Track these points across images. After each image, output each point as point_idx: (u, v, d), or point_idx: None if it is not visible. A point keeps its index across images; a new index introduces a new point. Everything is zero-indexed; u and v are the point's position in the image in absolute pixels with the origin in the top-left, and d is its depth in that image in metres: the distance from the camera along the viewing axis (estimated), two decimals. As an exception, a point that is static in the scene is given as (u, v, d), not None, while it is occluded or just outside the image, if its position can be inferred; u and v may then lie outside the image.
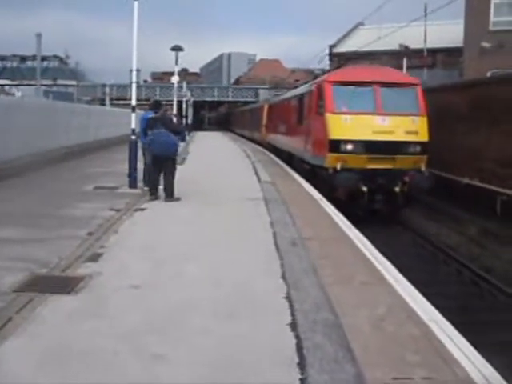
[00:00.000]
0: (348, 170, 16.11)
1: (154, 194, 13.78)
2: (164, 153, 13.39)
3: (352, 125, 16.45)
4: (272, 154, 30.84)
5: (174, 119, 33.19)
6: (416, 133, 16.72)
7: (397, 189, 16.35)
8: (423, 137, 16.75)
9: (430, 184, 16.68)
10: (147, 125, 13.91)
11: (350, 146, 16.30)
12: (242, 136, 58.74)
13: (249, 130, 54.52)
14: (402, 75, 20.41)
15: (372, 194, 16.35)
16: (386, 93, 17.00)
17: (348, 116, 16.60)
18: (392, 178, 16.41)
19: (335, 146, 16.40)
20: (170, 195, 13.58)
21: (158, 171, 13.78)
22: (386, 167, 16.29)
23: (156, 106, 15.35)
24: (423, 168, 16.64)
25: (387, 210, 17.03)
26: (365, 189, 16.10)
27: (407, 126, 16.65)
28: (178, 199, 13.47)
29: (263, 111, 40.28)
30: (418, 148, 16.63)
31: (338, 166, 16.08)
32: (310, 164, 18.97)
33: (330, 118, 16.79)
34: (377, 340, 5.25)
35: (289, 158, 25.36)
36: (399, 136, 16.46)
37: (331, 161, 16.39)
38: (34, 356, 4.73)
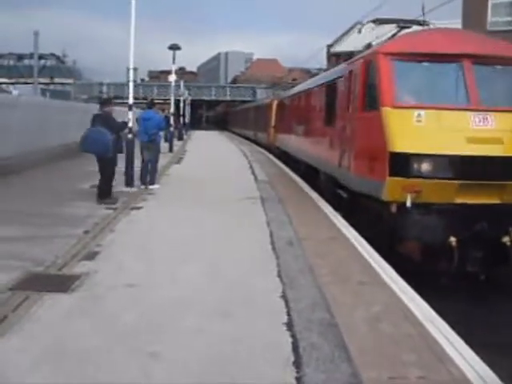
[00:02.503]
0: (425, 208, 9.56)
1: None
2: (94, 151, 12.71)
3: (430, 128, 9.74)
4: (281, 163, 25.49)
5: (172, 118, 33.41)
6: None
7: (506, 239, 9.51)
8: None
9: None
10: (91, 121, 13.11)
11: (427, 166, 9.48)
12: (244, 138, 53.78)
13: (252, 130, 48.69)
14: (506, 46, 11.28)
15: (465, 249, 9.39)
16: (484, 73, 10.36)
17: (422, 112, 9.82)
18: (499, 220, 9.67)
19: (402, 164, 9.60)
20: (102, 196, 12.76)
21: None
22: (489, 202, 9.64)
23: (103, 102, 14.30)
24: None
25: (486, 272, 9.72)
26: (453, 240, 9.30)
27: None
28: (113, 201, 12.70)
29: (271, 109, 33.80)
30: None
31: (408, 201, 9.44)
32: (349, 190, 12.13)
33: (390, 115, 9.99)
34: (373, 339, 5.25)
35: (308, 173, 18.29)
36: None
37: (394, 190, 9.65)
38: (30, 354, 4.71)
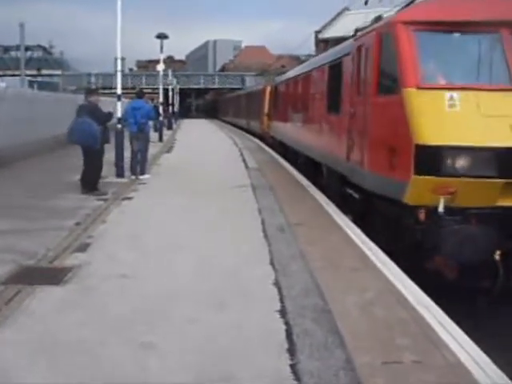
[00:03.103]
0: (462, 214, 7.86)
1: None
2: (82, 142, 12.63)
3: (466, 114, 7.93)
4: (271, 150, 24.87)
5: (161, 108, 33.28)
6: None
7: None
8: None
9: None
10: (76, 112, 12.96)
11: (464, 161, 7.72)
12: (236, 127, 51.09)
13: (244, 119, 46.06)
14: None
15: (510, 262, 7.72)
16: None
17: (455, 94, 7.97)
18: None
19: (431, 159, 7.85)
20: (86, 186, 12.63)
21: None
22: None
23: (88, 92, 14.16)
24: None
25: None
26: (498, 253, 7.68)
27: None
28: (100, 193, 12.56)
29: (265, 96, 31.66)
30: None
31: (441, 205, 7.75)
32: (362, 190, 10.13)
33: (415, 98, 8.19)
34: (366, 325, 5.26)
35: (308, 166, 16.34)
36: None
37: (421, 192, 7.92)
38: (23, 347, 4.70)
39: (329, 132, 13.24)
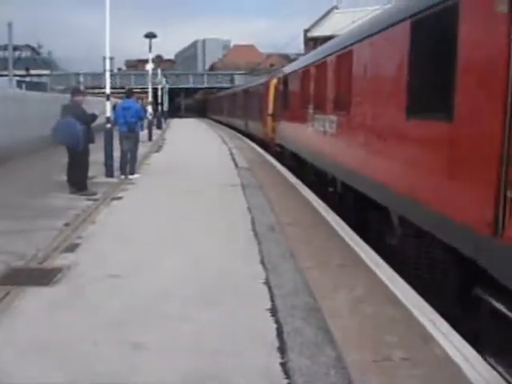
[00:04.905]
0: None
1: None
2: (65, 142, 12.62)
3: None
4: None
5: (149, 108, 33.18)
6: None
7: None
8: None
9: None
10: (60, 112, 12.92)
11: None
12: (231, 128, 45.47)
13: (240, 119, 39.53)
14: None
15: None
16: None
17: None
18: None
19: None
20: (74, 186, 12.58)
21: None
22: None
23: (74, 92, 13.89)
24: None
25: None
26: None
27: None
28: (89, 193, 12.49)
29: (268, 92, 25.16)
30: None
31: None
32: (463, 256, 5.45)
33: None
34: (356, 322, 5.29)
35: (354, 204, 10.42)
36: None
37: None
38: (13, 349, 4.69)
39: (412, 154, 7.10)
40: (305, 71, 15.39)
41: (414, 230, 7.09)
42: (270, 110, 24.18)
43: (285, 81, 19.53)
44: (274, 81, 23.73)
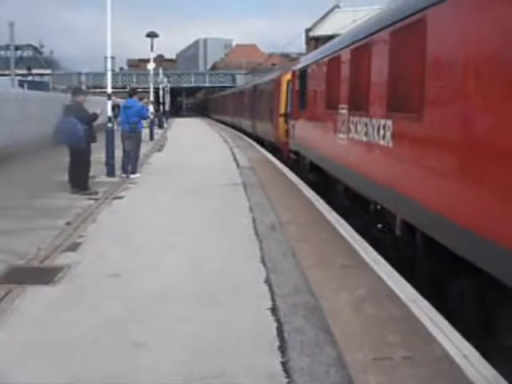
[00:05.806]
0: None
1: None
2: (66, 142, 12.65)
3: None
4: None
5: (151, 108, 33.18)
6: None
7: None
8: None
9: None
10: (62, 112, 12.93)
11: None
12: (237, 130, 41.19)
13: (247, 120, 35.44)
14: None
15: None
16: None
17: None
18: None
19: None
20: (75, 186, 12.58)
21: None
22: None
23: (75, 92, 14.01)
24: None
25: None
26: None
27: None
28: (90, 192, 12.50)
29: (280, 88, 22.16)
30: None
31: None
32: None
33: None
34: (357, 322, 5.28)
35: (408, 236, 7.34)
36: None
37: None
38: (14, 348, 4.69)
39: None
40: (332, 59, 11.66)
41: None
42: (282, 109, 21.03)
43: (303, 74, 15.83)
44: (288, 76, 20.42)
